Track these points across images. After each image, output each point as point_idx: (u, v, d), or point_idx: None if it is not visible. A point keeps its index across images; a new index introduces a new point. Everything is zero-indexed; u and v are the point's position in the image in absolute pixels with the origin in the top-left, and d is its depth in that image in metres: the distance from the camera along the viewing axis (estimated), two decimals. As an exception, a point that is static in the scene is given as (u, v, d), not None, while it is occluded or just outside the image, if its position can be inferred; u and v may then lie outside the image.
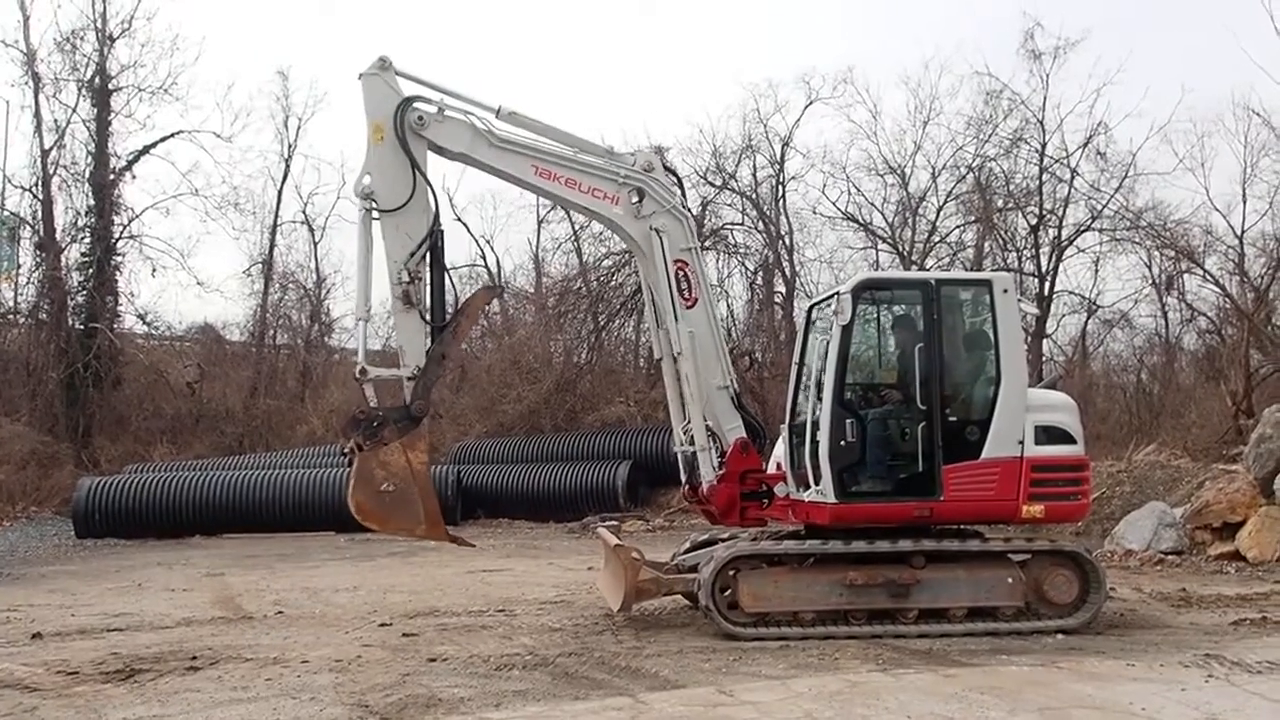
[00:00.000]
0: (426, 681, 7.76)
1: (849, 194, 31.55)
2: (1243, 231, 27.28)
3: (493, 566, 15.50)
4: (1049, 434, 9.68)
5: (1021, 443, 9.56)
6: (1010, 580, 9.37)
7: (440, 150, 9.87)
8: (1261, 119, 25.89)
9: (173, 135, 32.55)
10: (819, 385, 9.82)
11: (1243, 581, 12.64)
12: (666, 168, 10.66)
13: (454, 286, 10.34)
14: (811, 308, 11.00)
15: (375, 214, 9.55)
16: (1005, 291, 9.86)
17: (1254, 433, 15.87)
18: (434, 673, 8.09)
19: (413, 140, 9.62)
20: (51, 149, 31.38)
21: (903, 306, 10.58)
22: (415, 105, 9.70)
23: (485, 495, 24.48)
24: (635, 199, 10.19)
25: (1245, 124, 26.73)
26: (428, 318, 9.62)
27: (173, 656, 8.84)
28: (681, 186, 10.90)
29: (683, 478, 10.90)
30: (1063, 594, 9.37)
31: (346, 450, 9.62)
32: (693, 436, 10.30)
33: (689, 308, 10.24)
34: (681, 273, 10.27)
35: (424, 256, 9.63)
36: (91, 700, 7.48)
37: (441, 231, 9.84)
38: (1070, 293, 31.02)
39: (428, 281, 9.67)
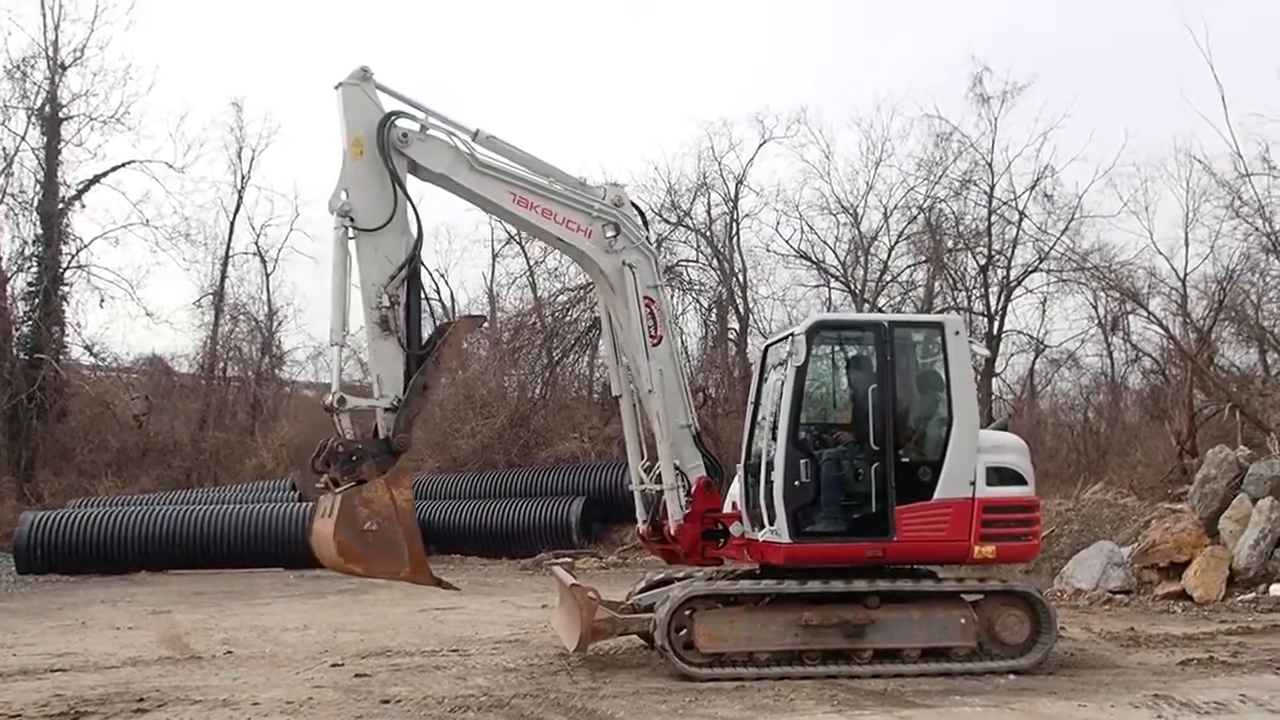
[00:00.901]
0: (380, 724, 7.68)
1: (802, 232, 31.94)
2: (1185, 274, 27.88)
3: (445, 604, 15.31)
4: (1000, 475, 9.81)
5: (973, 483, 9.67)
6: (963, 620, 9.44)
7: (418, 170, 9.55)
8: (1202, 165, 26.51)
9: (124, 165, 32.31)
10: (774, 425, 9.90)
11: (1189, 621, 12.83)
12: (632, 204, 10.57)
13: (432, 314, 9.95)
14: (766, 348, 11.10)
15: (352, 233, 9.09)
16: (957, 333, 10.03)
17: (1199, 473, 16.20)
18: (388, 715, 8.02)
19: (394, 158, 9.26)
20: (-1, 176, 30.99)
21: (856, 348, 10.71)
22: (398, 122, 9.37)
23: (438, 531, 24.24)
24: (611, 233, 10.11)
25: (1187, 169, 27.32)
26: (406, 345, 9.16)
27: (119, 698, 8.67)
28: (646, 223, 10.83)
29: (640, 516, 10.89)
30: (1015, 634, 9.46)
31: (320, 485, 9.13)
32: (658, 476, 10.27)
33: (655, 345, 10.19)
34: (648, 309, 10.21)
35: (403, 280, 9.21)
36: (35, 744, 7.32)
37: (421, 255, 9.45)
38: (1019, 332, 31.55)
39: (404, 306, 9.22)
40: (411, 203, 9.39)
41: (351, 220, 9.07)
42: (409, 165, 9.44)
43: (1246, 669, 9.41)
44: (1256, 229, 24.74)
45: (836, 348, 10.93)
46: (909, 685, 8.84)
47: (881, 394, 9.75)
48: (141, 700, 8.58)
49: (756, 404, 10.85)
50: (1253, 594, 13.82)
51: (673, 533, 10.20)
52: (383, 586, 18.07)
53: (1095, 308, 30.65)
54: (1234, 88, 31.70)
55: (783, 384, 9.88)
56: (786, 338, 10.15)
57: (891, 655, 9.35)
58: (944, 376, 9.93)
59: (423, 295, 9.50)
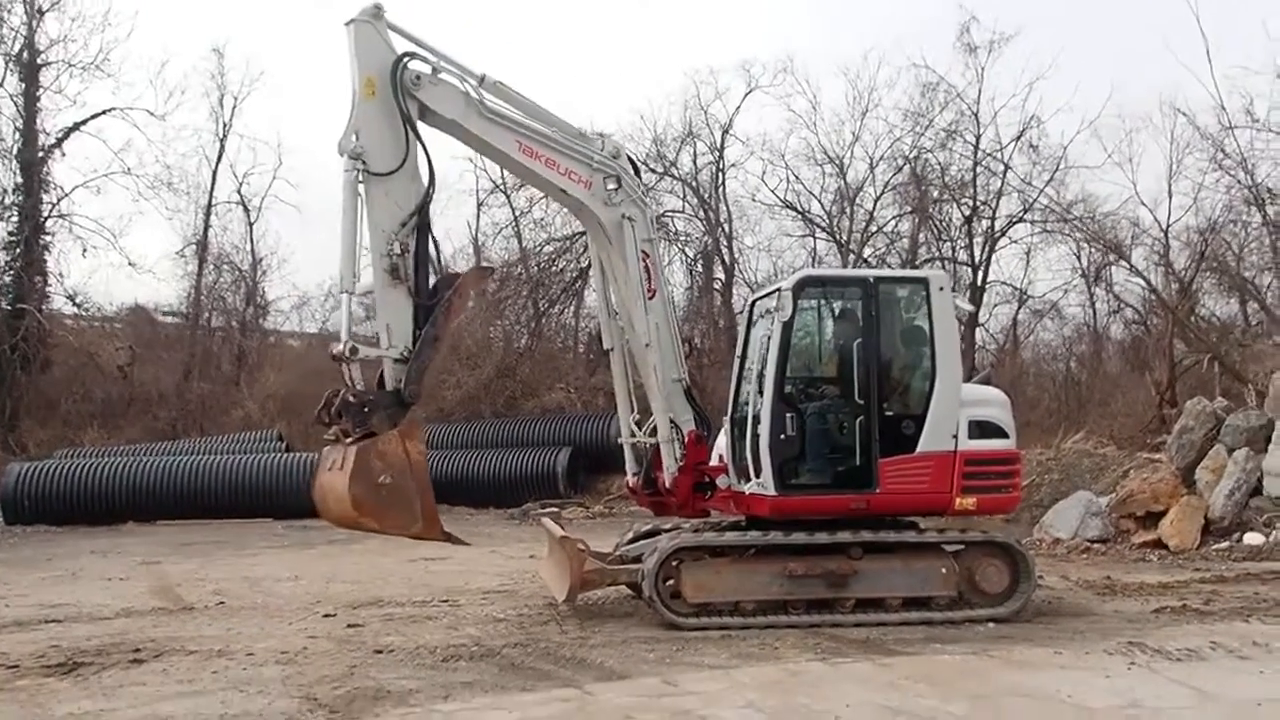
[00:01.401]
0: (374, 673, 7.84)
1: (788, 182, 31.91)
2: (1168, 225, 27.94)
3: (435, 555, 15.40)
4: (982, 428, 9.96)
5: (955, 437, 9.83)
6: (944, 571, 9.65)
7: (427, 115, 9.31)
8: (1186, 118, 26.56)
9: (104, 113, 31.90)
10: (760, 379, 10.03)
11: (1164, 569, 13.10)
12: (628, 157, 10.55)
13: (438, 264, 9.44)
14: (753, 302, 11.18)
15: (362, 177, 8.85)
16: (941, 289, 10.13)
17: (1176, 424, 16.45)
18: (381, 664, 8.17)
19: (406, 101, 9.07)
20: (-24, 125, 30.67)
21: (842, 303, 10.80)
22: (411, 64, 9.16)
23: (425, 480, 24.43)
24: (612, 185, 10.06)
25: (1172, 122, 27.34)
26: (415, 295, 9.00)
27: (115, 649, 8.80)
28: (639, 175, 10.77)
29: (630, 469, 11.01)
30: (994, 584, 9.67)
31: (330, 436, 8.92)
32: (652, 429, 10.39)
33: (650, 298, 10.24)
34: (643, 263, 10.23)
35: (413, 228, 9.03)
36: (34, 694, 7.45)
37: (431, 201, 9.24)
38: (1002, 283, 31.70)
39: (413, 255, 9.03)
40: (424, 147, 9.21)
41: (363, 164, 8.86)
42: (419, 109, 9.23)
43: (1218, 616, 9.65)
44: (1239, 181, 24.81)
45: (822, 302, 11.02)
46: (891, 634, 9.04)
47: (866, 348, 9.88)
48: (138, 650, 8.71)
49: (743, 358, 10.94)
50: (1227, 543, 14.10)
51: (668, 485, 10.34)
52: (370, 537, 18.28)
53: (1078, 258, 30.84)
54: (1219, 40, 31.80)
55: (769, 338, 9.99)
56: (773, 292, 10.24)
57: (874, 605, 9.54)
58: (928, 331, 10.05)
59: (432, 243, 9.27)
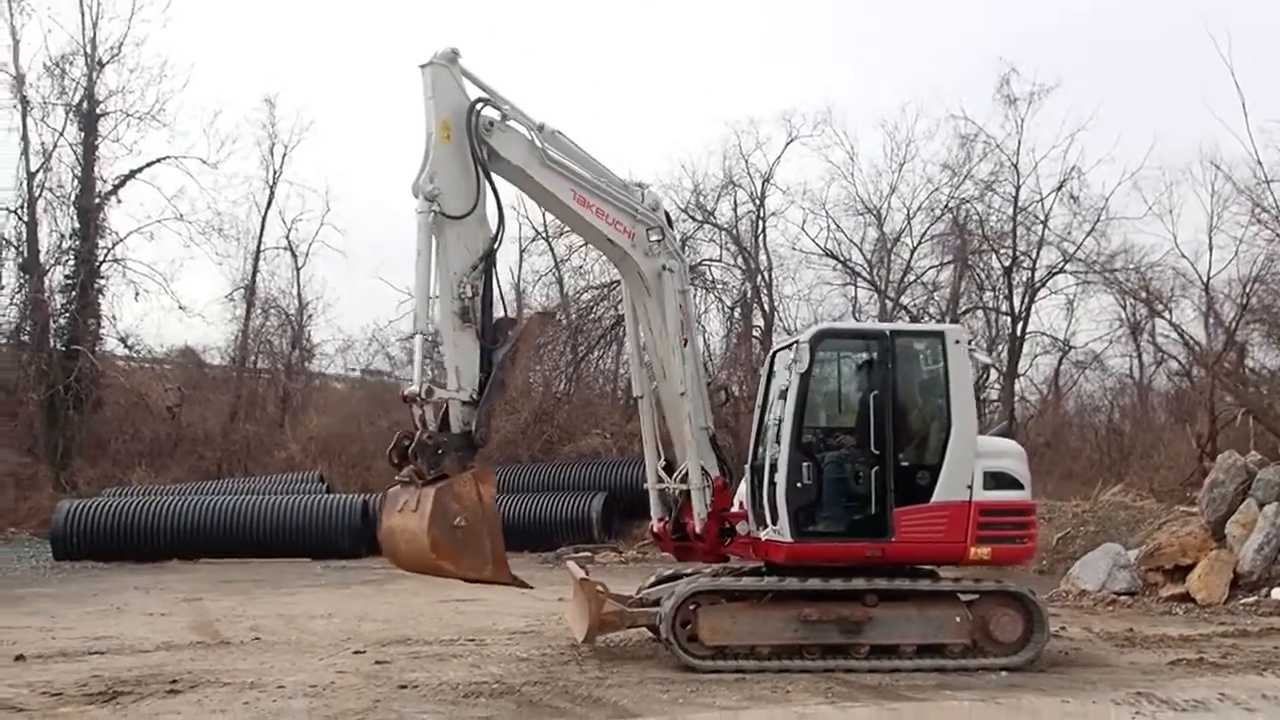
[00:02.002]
0: (397, 707, 8.13)
1: (828, 230, 32.19)
2: (1209, 278, 28.00)
3: (466, 596, 15.74)
4: (997, 479, 10.14)
5: (970, 487, 10.02)
6: (958, 619, 9.80)
7: (493, 160, 9.44)
8: (1222, 173, 26.63)
9: (159, 161, 32.94)
10: (779, 429, 10.28)
11: (1189, 623, 13.10)
12: (664, 210, 10.83)
13: (504, 307, 9.59)
14: (774, 354, 11.47)
15: (435, 219, 8.95)
16: (957, 343, 10.38)
17: (1208, 478, 16.40)
18: (404, 699, 8.46)
19: (479, 145, 9.24)
20: (38, 172, 31.84)
21: (859, 355, 11.04)
22: (484, 110, 9.39)
23: (461, 524, 24.76)
24: (656, 237, 10.35)
25: (1211, 174, 27.44)
26: (481, 338, 9.05)
27: (153, 680, 9.17)
28: (672, 226, 11.06)
29: (655, 514, 11.20)
30: (1008, 633, 9.80)
31: (402, 478, 8.92)
32: (683, 475, 10.60)
33: (683, 346, 10.52)
34: (679, 313, 10.51)
35: (482, 272, 9.11)
36: (75, 721, 7.83)
37: (500, 244, 9.40)
38: (1042, 333, 31.66)
39: (480, 298, 9.09)
40: (495, 192, 9.40)
41: (438, 206, 8.96)
42: (488, 154, 9.40)
43: (1233, 669, 9.71)
44: (1278, 235, 24.80)
45: (840, 355, 11.28)
46: (903, 680, 9.21)
47: (882, 400, 10.12)
48: (175, 682, 9.07)
49: (764, 407, 11.22)
50: (1254, 597, 14.05)
51: (698, 530, 10.57)
52: (405, 578, 18.62)
53: (1123, 309, 30.77)
54: (1256, 94, 31.82)
55: (787, 389, 10.26)
56: (792, 344, 10.53)
57: (888, 651, 9.70)
58: (944, 384, 10.28)
59: (496, 288, 9.36)
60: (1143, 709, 8.08)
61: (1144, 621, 13.13)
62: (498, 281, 9.43)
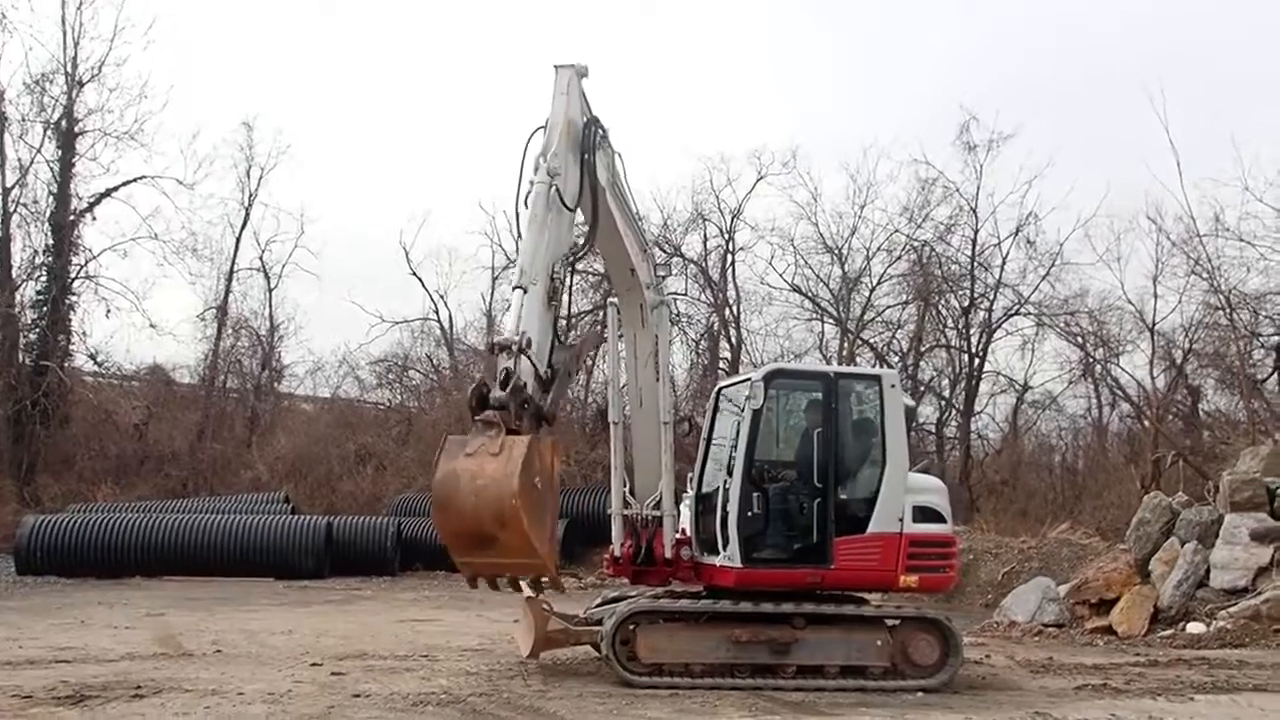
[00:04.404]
0: (350, 713, 8.69)
1: (796, 266, 32.97)
2: (1153, 324, 28.94)
3: (423, 616, 16.37)
4: (924, 513, 10.89)
5: (901, 520, 10.75)
6: (879, 643, 10.48)
7: (588, 172, 9.91)
8: (1157, 226, 27.73)
9: (135, 180, 33.28)
10: (730, 460, 10.94)
11: (1107, 653, 13.82)
12: None
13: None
14: (719, 390, 12.19)
15: (553, 197, 9.27)
16: (893, 386, 11.22)
17: (1135, 516, 17.21)
18: (356, 706, 9.01)
19: (592, 155, 9.76)
20: (13, 187, 32.05)
21: (805, 394, 11.78)
22: (600, 126, 10.04)
23: (424, 548, 25.14)
24: (663, 273, 11.07)
25: (1155, 226, 28.44)
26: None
27: (119, 685, 9.67)
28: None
29: (618, 541, 11.52)
30: (925, 656, 10.48)
31: (482, 419, 8.28)
32: (656, 502, 11.17)
33: (668, 379, 11.18)
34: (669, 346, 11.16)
35: (569, 267, 9.38)
36: (45, 720, 8.34)
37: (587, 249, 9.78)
38: (998, 373, 32.49)
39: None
40: (595, 199, 9.90)
41: (557, 188, 9.34)
42: (590, 166, 9.91)
43: (1131, 694, 10.39)
44: (1213, 288, 25.84)
45: (788, 393, 12.00)
46: (825, 699, 9.83)
47: (826, 436, 10.87)
48: (139, 688, 9.57)
49: (709, 440, 11.89)
50: (1171, 631, 14.80)
51: (668, 555, 11.14)
52: (367, 598, 19.14)
53: (1082, 349, 31.61)
54: (1192, 151, 32.91)
55: (740, 423, 10.94)
56: (743, 381, 11.26)
57: (814, 671, 10.35)
58: (879, 423, 11.03)
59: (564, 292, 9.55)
60: (1036, 727, 8.75)
61: (1065, 651, 13.85)
62: (569, 291, 9.70)
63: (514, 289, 9.08)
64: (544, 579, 8.80)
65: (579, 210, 9.96)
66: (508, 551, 8.23)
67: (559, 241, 9.39)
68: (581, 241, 10.11)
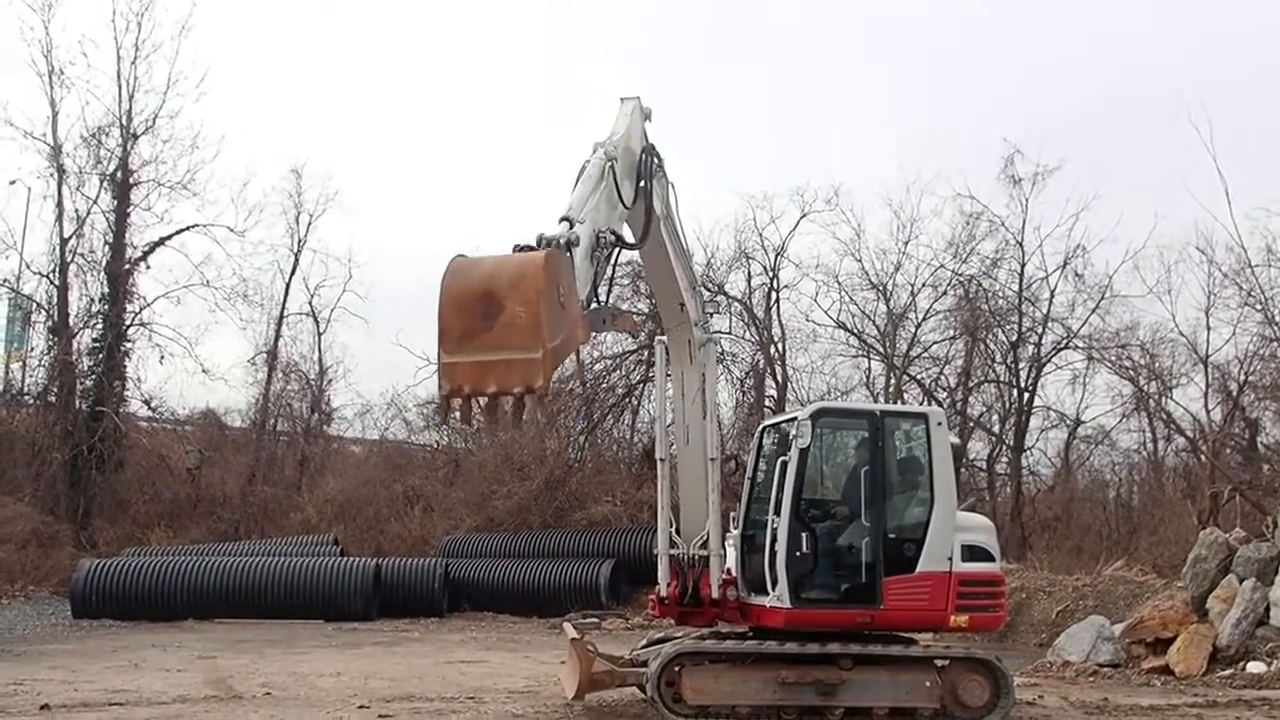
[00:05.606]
0: (396, 756, 8.72)
1: (841, 303, 32.84)
2: (1207, 356, 28.47)
3: (470, 658, 16.37)
4: (973, 552, 10.82)
5: (950, 559, 10.66)
6: (928, 684, 10.37)
7: (642, 196, 10.07)
8: (1207, 258, 27.31)
9: (188, 229, 33.81)
10: (777, 500, 10.90)
11: (1164, 694, 13.52)
12: None
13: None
14: (763, 429, 12.17)
15: (609, 170, 9.28)
16: (939, 424, 11.16)
17: (1191, 553, 16.88)
18: (403, 749, 9.05)
19: (648, 180, 9.99)
20: (70, 238, 32.66)
21: (852, 433, 11.75)
22: (657, 155, 10.26)
23: (472, 588, 25.31)
24: (711, 310, 11.13)
25: (1205, 258, 28.02)
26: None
27: (170, 728, 9.79)
28: None
29: (664, 580, 11.37)
30: (975, 698, 10.36)
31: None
32: (703, 541, 11.07)
33: (715, 417, 11.18)
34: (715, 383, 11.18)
35: (610, 252, 9.12)
36: (98, 763, 8.44)
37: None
38: (1048, 408, 32.05)
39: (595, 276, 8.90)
40: (647, 209, 10.02)
41: (613, 168, 9.33)
42: (644, 192, 10.11)
43: (1186, 736, 10.19)
44: (1267, 319, 25.42)
45: (835, 432, 11.97)
46: (875, 741, 9.72)
47: (873, 475, 10.84)
48: (190, 731, 9.70)
49: (754, 479, 11.88)
50: (1231, 671, 14.47)
51: (716, 596, 11.05)
52: (415, 639, 19.16)
53: (1134, 384, 31.13)
54: (1242, 180, 32.38)
55: (787, 462, 10.91)
56: (789, 420, 11.26)
57: (862, 713, 10.26)
58: (927, 462, 10.98)
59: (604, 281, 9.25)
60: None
61: (1121, 692, 13.57)
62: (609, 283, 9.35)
63: (560, 221, 8.62)
64: (535, 388, 7.43)
65: (638, 208, 9.93)
66: (509, 334, 7.38)
67: (608, 214, 9.18)
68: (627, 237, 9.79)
